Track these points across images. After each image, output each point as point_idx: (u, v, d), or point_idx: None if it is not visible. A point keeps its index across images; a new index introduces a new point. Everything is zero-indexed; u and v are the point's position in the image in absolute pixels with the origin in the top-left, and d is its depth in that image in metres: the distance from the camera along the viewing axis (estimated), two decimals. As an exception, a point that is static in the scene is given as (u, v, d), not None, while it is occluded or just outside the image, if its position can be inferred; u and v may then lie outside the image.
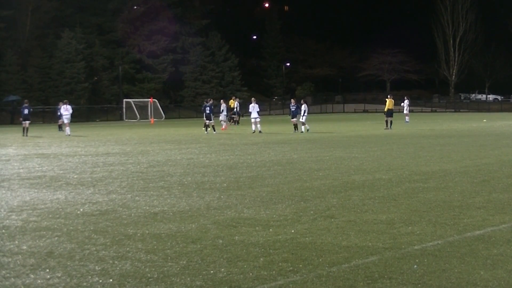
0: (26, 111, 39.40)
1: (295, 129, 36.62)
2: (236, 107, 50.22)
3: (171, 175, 16.41)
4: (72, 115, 40.66)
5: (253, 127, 37.03)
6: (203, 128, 39.09)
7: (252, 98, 41.09)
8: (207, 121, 37.67)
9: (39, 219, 10.63)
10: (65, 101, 42.82)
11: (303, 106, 36.47)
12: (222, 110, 41.91)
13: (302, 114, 36.25)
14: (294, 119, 36.96)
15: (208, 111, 37.72)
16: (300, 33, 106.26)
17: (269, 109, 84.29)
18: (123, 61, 79.12)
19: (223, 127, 40.99)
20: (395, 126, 41.14)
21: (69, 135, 37.10)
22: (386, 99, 42.23)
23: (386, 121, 40.14)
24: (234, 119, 49.56)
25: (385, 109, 41.34)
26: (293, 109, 37.13)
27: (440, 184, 14.04)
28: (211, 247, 8.53)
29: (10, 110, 65.02)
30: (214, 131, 37.14)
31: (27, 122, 38.70)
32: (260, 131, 36.37)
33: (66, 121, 39.08)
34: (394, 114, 40.90)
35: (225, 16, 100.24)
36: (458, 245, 8.46)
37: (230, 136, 34.21)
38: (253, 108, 37.58)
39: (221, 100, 44.50)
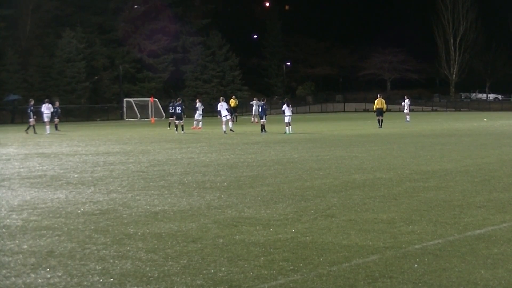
0: (28, 110, 40.92)
1: (263, 130, 35.22)
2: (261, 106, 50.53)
3: (172, 174, 16.42)
4: (58, 113, 42.78)
5: (224, 127, 36.20)
6: (169, 128, 39.93)
7: (221, 97, 40.19)
8: (177, 120, 37.82)
9: (40, 218, 10.64)
10: (46, 100, 43.80)
11: (285, 106, 34.85)
12: (197, 108, 41.48)
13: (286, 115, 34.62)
14: (263, 120, 35.97)
15: (179, 111, 37.93)
16: (300, 32, 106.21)
17: (270, 109, 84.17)
18: (124, 60, 79.05)
19: (194, 126, 40.80)
20: (396, 126, 41.15)
21: (49, 133, 38.29)
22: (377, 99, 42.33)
23: (378, 120, 40.35)
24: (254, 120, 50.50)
25: (374, 108, 41.65)
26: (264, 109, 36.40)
27: (441, 183, 14.04)
28: (212, 246, 8.53)
29: (11, 110, 65.03)
30: (183, 130, 37.03)
31: (30, 120, 39.86)
32: (225, 131, 35.63)
33: (46, 119, 40.53)
34: (394, 114, 41.00)
35: (226, 15, 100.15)
36: (459, 244, 8.46)
37: (229, 135, 34.19)
38: (222, 107, 37.05)
39: (197, 100, 44.16)
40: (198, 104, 41.39)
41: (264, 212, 10.82)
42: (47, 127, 39.89)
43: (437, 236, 8.90)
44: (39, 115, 41.83)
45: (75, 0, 77.32)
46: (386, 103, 43.64)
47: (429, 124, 45.12)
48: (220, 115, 37.57)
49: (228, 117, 36.83)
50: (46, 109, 40.97)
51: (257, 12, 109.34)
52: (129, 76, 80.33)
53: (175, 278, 7.14)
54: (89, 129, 46.93)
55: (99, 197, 12.78)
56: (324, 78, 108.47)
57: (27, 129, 39.43)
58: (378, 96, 42.44)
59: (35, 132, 38.68)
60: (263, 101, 38.36)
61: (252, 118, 51.56)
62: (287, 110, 34.74)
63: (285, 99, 38.91)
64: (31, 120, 39.75)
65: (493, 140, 27.74)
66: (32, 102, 41.97)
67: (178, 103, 38.82)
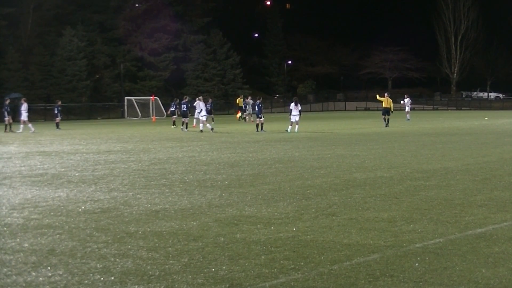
0: (3, 109, 42.72)
1: (261, 129, 35.12)
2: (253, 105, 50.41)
3: (173, 173, 16.42)
4: (59, 112, 43.94)
5: (201, 126, 36.04)
6: (172, 126, 41.02)
7: (200, 97, 39.70)
8: (183, 118, 38.60)
9: (41, 216, 10.64)
10: (23, 99, 44.35)
11: (292, 104, 34.74)
12: (195, 107, 41.46)
13: (296, 114, 34.48)
14: (261, 118, 35.74)
15: (184, 109, 38.86)
16: (301, 31, 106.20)
17: (270, 107, 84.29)
18: (125, 58, 79.07)
19: (194, 124, 40.94)
20: (397, 124, 41.13)
21: (20, 132, 38.96)
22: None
23: (384, 119, 40.14)
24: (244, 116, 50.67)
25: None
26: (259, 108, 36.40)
27: (442, 182, 14.03)
28: (213, 245, 8.53)
29: (12, 108, 65.05)
30: (186, 128, 37.82)
31: (6, 118, 41.13)
32: (212, 129, 35.53)
33: (23, 118, 41.07)
34: (395, 112, 40.98)
35: (227, 13, 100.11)
36: (460, 243, 8.45)
37: (229, 134, 34.19)
38: (201, 106, 36.63)
39: (197, 99, 44.16)
40: (196, 103, 41.32)
41: (265, 211, 10.82)
42: (21, 126, 40.30)
43: (438, 235, 8.90)
44: (41, 114, 42.29)
45: (76, -1, 77.42)
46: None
47: (430, 123, 45.10)
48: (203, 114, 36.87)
49: (204, 118, 36.23)
50: (24, 108, 41.36)
51: (258, 11, 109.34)
52: (130, 74, 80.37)
53: (176, 276, 7.14)
54: (90, 127, 46.94)
55: (100, 195, 12.78)
56: (325, 77, 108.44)
57: (10, 128, 39.78)
58: (386, 95, 42.26)
59: (5, 131, 39.23)
60: (258, 99, 38.08)
61: (247, 117, 51.51)
62: (294, 109, 34.49)
63: (294, 98, 38.77)
64: (6, 118, 40.67)
65: (494, 138, 27.73)
66: (8, 101, 43.27)
67: (184, 101, 39.35)
